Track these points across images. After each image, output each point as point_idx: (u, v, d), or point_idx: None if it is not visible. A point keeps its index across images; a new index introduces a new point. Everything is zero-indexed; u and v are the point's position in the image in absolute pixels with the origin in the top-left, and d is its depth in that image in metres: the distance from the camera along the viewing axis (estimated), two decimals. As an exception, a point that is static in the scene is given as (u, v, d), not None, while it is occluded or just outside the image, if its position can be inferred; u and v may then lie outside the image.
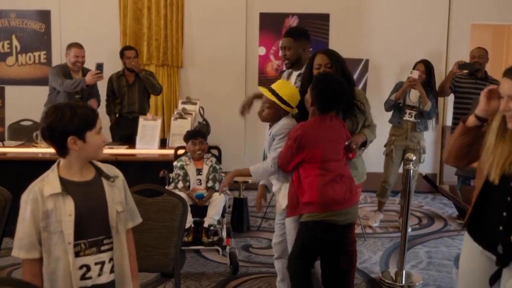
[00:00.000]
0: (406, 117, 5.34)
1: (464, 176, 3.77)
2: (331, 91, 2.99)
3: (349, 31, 6.74)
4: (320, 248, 3.14)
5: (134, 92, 5.84)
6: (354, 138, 3.28)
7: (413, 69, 5.34)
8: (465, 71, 5.60)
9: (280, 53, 4.00)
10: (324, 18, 6.74)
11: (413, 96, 5.32)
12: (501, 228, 2.15)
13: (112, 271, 2.13)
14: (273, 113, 3.22)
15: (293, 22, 6.84)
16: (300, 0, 6.79)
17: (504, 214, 2.14)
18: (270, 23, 6.86)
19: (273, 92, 3.18)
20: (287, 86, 3.25)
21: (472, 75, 5.55)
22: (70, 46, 5.53)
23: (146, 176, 4.61)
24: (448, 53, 6.82)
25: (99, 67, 5.27)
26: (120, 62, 6.14)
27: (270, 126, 3.31)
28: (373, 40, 6.76)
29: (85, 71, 5.49)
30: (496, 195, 2.18)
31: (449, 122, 6.29)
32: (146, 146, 5.19)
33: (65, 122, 2.00)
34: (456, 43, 6.78)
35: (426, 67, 5.34)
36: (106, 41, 6.55)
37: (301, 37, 3.85)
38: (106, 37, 6.61)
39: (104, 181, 2.14)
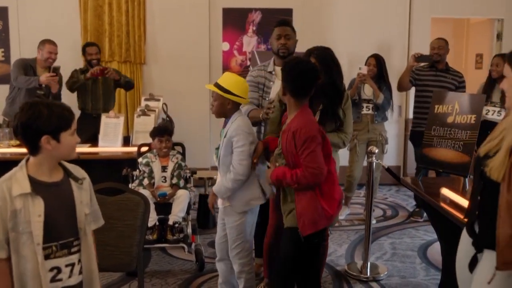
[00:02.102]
0: (364, 111, 5.40)
1: (424, 167, 3.83)
2: (304, 76, 2.83)
3: (311, 25, 6.76)
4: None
5: (98, 90, 5.74)
6: None
7: (365, 63, 5.43)
8: (423, 63, 5.64)
9: (280, 41, 3.83)
10: (287, 13, 6.74)
11: (368, 89, 5.40)
12: (477, 212, 2.22)
13: (80, 272, 2.12)
14: (220, 105, 3.16)
15: (256, 17, 6.83)
16: (262, -6, 6.80)
17: (479, 198, 2.20)
18: (234, 19, 6.84)
19: (216, 85, 3.15)
20: (230, 77, 3.20)
21: (433, 67, 5.59)
22: (44, 42, 5.46)
23: (110, 174, 4.54)
24: (410, 47, 6.92)
25: (55, 70, 5.23)
26: (81, 58, 6.08)
27: (225, 125, 3.27)
28: (335, 35, 6.79)
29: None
30: (475, 180, 2.25)
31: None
32: (109, 144, 5.11)
33: (42, 121, 1.97)
34: (417, 36, 6.89)
35: (377, 61, 5.44)
36: (66, 37, 6.41)
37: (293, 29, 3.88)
38: (66, 34, 6.47)
39: (73, 182, 2.11)
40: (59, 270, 2.05)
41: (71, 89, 5.64)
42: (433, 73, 5.57)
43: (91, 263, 2.16)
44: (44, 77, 5.17)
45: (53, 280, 2.04)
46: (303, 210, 2.76)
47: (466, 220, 2.37)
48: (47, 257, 2.01)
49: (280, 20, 4.15)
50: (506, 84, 2.15)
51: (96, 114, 5.65)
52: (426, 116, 5.34)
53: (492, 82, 5.37)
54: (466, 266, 2.27)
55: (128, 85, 5.88)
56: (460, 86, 5.46)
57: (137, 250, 2.76)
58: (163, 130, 4.46)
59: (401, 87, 5.66)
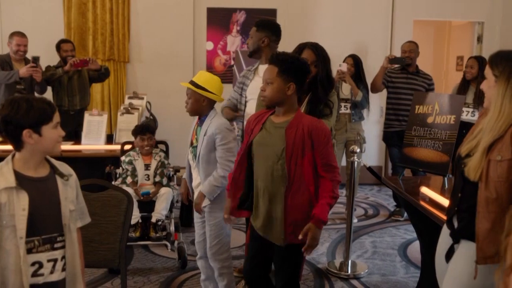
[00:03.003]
0: (342, 110, 5.46)
1: (404, 166, 3.91)
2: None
3: (295, 26, 6.81)
4: None
5: (74, 85, 5.70)
6: None
7: (343, 63, 5.49)
8: (396, 65, 5.70)
9: None
10: (271, 13, 6.79)
11: (345, 89, 5.47)
12: (456, 208, 2.31)
13: (63, 269, 2.12)
14: (195, 102, 3.16)
15: (240, 17, 6.87)
16: (247, -5, 6.83)
17: (459, 194, 2.28)
18: (218, 18, 6.86)
19: (191, 82, 3.17)
20: (205, 75, 3.24)
21: (404, 70, 5.66)
22: (12, 34, 5.42)
23: (93, 172, 4.55)
24: (392, 49, 7.00)
25: (35, 60, 5.15)
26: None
27: (197, 122, 3.27)
28: (318, 35, 6.82)
29: (27, 62, 5.36)
30: (456, 177, 2.33)
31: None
32: (92, 141, 5.11)
33: (21, 115, 1.98)
34: (400, 38, 6.93)
35: (355, 60, 5.55)
36: (50, 34, 6.37)
37: (264, 29, 3.87)
38: (50, 31, 6.43)
39: (58, 179, 2.12)
40: (40, 265, 2.05)
41: (47, 82, 5.57)
42: (404, 75, 5.64)
43: (74, 260, 2.16)
44: (24, 69, 5.12)
45: (34, 274, 2.04)
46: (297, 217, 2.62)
47: (446, 216, 2.45)
48: (29, 251, 2.02)
49: None
50: (485, 85, 2.21)
51: (73, 111, 5.62)
52: (398, 118, 5.52)
53: (466, 84, 5.46)
54: (444, 257, 2.35)
55: (107, 73, 5.81)
56: (429, 88, 5.55)
57: (120, 246, 2.77)
58: (145, 128, 4.47)
59: (375, 88, 5.72)
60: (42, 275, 2.06)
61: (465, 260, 2.21)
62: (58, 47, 5.74)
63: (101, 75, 5.71)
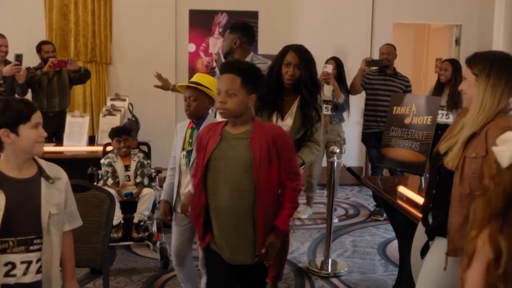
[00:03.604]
0: (324, 112, 5.52)
1: (382, 166, 4.00)
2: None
3: (277, 28, 6.89)
4: None
5: (54, 87, 5.70)
6: None
7: (324, 65, 5.56)
8: (374, 67, 5.79)
9: None
10: (253, 16, 6.84)
11: (327, 90, 5.55)
12: (431, 205, 2.40)
13: (39, 271, 2.13)
14: (200, 105, 3.10)
15: (222, 19, 6.92)
16: (229, -3, 6.88)
17: (434, 192, 2.37)
18: (200, 20, 6.90)
19: (197, 83, 3.11)
20: (208, 76, 3.22)
21: (382, 72, 5.75)
22: None
23: (75, 173, 4.48)
24: (372, 51, 7.09)
25: (18, 58, 5.12)
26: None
27: (192, 126, 3.19)
28: (299, 37, 6.87)
29: (8, 63, 5.34)
30: (432, 175, 2.43)
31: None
32: (74, 143, 5.12)
33: None
34: (380, 41, 7.02)
35: (337, 63, 5.62)
36: (31, 36, 6.35)
37: (236, 31, 3.92)
38: (31, 32, 6.42)
39: (43, 181, 2.13)
40: (13, 265, 2.07)
41: (29, 83, 5.55)
42: (382, 77, 5.73)
43: (53, 263, 2.17)
44: (8, 67, 5.09)
45: (6, 275, 2.06)
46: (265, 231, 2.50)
47: (421, 213, 2.54)
48: (3, 251, 2.04)
49: None
50: (466, 85, 2.31)
51: (52, 113, 5.61)
52: (376, 119, 5.62)
53: (440, 86, 5.57)
54: (419, 253, 2.43)
55: (87, 74, 5.79)
56: (407, 90, 5.65)
57: (103, 246, 2.81)
58: (120, 131, 4.49)
59: (353, 90, 5.79)
60: (14, 275, 2.07)
61: (439, 256, 2.30)
62: (39, 48, 5.72)
63: (81, 76, 5.70)
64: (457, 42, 7.45)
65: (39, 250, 2.11)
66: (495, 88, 2.18)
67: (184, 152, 3.20)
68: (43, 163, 2.19)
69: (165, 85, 4.58)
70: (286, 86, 3.33)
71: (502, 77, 2.18)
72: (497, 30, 6.68)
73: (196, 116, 3.16)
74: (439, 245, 2.32)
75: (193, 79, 3.18)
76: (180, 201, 3.19)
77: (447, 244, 2.23)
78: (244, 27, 4.01)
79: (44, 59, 5.63)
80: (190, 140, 3.17)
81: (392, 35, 7.19)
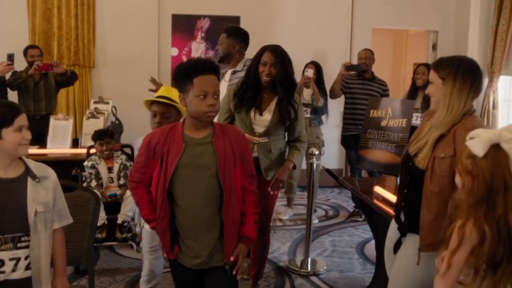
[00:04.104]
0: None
1: (359, 167, 4.13)
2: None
3: (258, 33, 6.93)
4: None
5: (40, 90, 5.76)
6: (278, 175, 3.49)
7: (304, 70, 5.70)
8: (352, 72, 5.93)
9: None
10: (234, 21, 6.94)
11: (306, 94, 5.69)
12: (403, 204, 2.52)
13: (28, 268, 2.19)
14: (173, 121, 2.91)
15: (205, 24, 7.02)
16: (211, 2, 6.98)
17: (405, 192, 2.50)
18: (182, 25, 7.00)
19: (169, 99, 2.99)
20: (173, 89, 2.98)
21: (360, 77, 5.90)
22: None
23: (59, 175, 4.61)
24: (351, 56, 7.23)
25: (10, 57, 5.19)
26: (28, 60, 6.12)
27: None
28: (281, 42, 6.94)
29: None
30: (403, 175, 2.55)
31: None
32: (58, 145, 5.18)
33: None
34: (359, 46, 7.16)
35: (316, 68, 5.74)
36: (14, 39, 6.39)
37: (235, 36, 4.09)
38: (14, 36, 6.45)
39: (30, 180, 2.20)
40: (2, 262, 2.14)
41: (11, 85, 5.58)
42: (361, 82, 5.87)
43: (42, 260, 2.23)
44: (1, 67, 5.16)
45: None
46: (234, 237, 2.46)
47: (394, 211, 2.67)
48: None
49: None
50: (432, 88, 2.44)
51: (38, 116, 5.66)
52: (355, 122, 5.76)
53: (415, 90, 5.73)
54: (392, 250, 2.55)
55: (74, 76, 5.87)
56: (384, 94, 5.80)
57: (88, 244, 2.89)
58: (102, 134, 4.57)
59: (333, 94, 5.93)
60: (3, 272, 2.14)
61: (410, 251, 2.43)
62: (25, 52, 5.78)
63: (68, 78, 5.77)
64: (434, 47, 7.64)
65: (27, 247, 2.18)
66: (461, 91, 2.32)
67: None
68: (31, 163, 2.26)
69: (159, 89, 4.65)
70: (264, 84, 3.47)
71: (468, 81, 2.32)
72: (472, 36, 6.89)
73: None
74: (411, 241, 2.45)
75: (161, 94, 3.06)
76: None
77: (420, 240, 2.36)
78: (243, 33, 4.17)
79: (30, 63, 5.69)
80: None
81: (371, 40, 7.35)
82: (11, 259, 2.16)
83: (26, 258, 2.19)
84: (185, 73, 2.35)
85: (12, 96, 5.72)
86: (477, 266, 1.81)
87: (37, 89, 5.71)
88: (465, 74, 2.33)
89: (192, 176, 2.36)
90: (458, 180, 1.93)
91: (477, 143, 1.82)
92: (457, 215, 1.91)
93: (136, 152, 2.94)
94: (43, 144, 5.26)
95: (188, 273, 2.50)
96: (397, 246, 2.57)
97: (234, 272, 2.43)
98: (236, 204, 2.43)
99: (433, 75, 2.43)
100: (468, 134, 1.91)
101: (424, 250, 2.34)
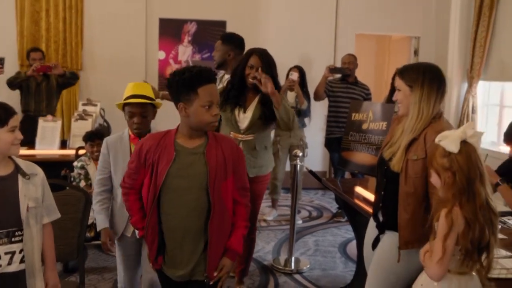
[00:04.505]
0: None
1: (341, 168, 4.27)
2: None
3: (244, 38, 7.06)
4: None
5: (42, 92, 5.85)
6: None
7: (288, 73, 5.83)
8: (337, 75, 6.09)
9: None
10: (221, 25, 7.08)
11: (290, 97, 5.83)
12: (381, 204, 2.65)
13: (22, 261, 2.29)
14: (151, 119, 2.95)
15: (191, 28, 7.13)
16: (198, 7, 7.11)
17: (382, 193, 2.63)
18: (170, 29, 7.12)
19: (146, 97, 2.91)
20: (144, 85, 3.07)
21: (344, 81, 6.06)
22: None
23: (47, 176, 4.68)
24: (335, 61, 7.39)
25: (0, 61, 5.29)
26: (16, 62, 6.42)
27: (136, 141, 2.87)
28: (267, 46, 7.04)
29: None
30: (379, 177, 2.69)
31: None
32: (46, 147, 5.26)
33: None
34: (342, 51, 7.32)
35: (300, 71, 5.88)
36: (2, 42, 6.48)
37: (229, 43, 4.17)
38: (2, 38, 6.54)
39: (20, 177, 2.30)
40: None
41: (11, 84, 5.71)
42: (344, 86, 6.03)
43: (35, 253, 2.32)
44: None
45: None
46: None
47: (372, 210, 2.81)
48: None
49: None
50: (400, 95, 2.57)
51: (39, 116, 5.74)
52: (338, 124, 5.91)
53: (393, 94, 5.88)
54: (371, 246, 2.69)
55: (73, 76, 6.02)
56: (367, 98, 5.97)
57: (79, 240, 3.00)
58: (94, 135, 4.65)
59: (317, 96, 6.08)
60: (0, 266, 2.24)
61: (389, 247, 2.56)
62: (28, 55, 5.95)
63: (68, 79, 5.94)
64: (416, 53, 7.83)
65: (21, 241, 2.28)
66: (430, 97, 2.46)
67: None
68: (20, 162, 2.36)
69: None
70: (249, 85, 3.60)
71: (434, 86, 2.47)
72: (452, 42, 7.06)
73: (143, 134, 2.89)
74: (389, 238, 2.59)
75: (135, 92, 2.92)
76: (129, 224, 2.87)
77: (399, 239, 2.49)
78: (237, 39, 4.25)
79: (32, 65, 5.82)
80: None
81: (355, 46, 7.52)
82: (6, 253, 2.24)
83: (20, 252, 2.28)
84: (188, 83, 2.28)
85: (15, 96, 5.83)
86: (468, 248, 2.02)
87: (38, 90, 5.84)
88: (431, 81, 2.47)
89: (182, 187, 2.31)
90: (434, 179, 2.12)
91: (450, 142, 2.03)
92: (440, 205, 2.11)
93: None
94: (31, 146, 5.32)
95: (172, 284, 2.45)
96: (375, 243, 2.70)
97: (218, 286, 2.38)
98: (225, 217, 2.37)
99: (399, 83, 2.55)
100: (437, 137, 2.09)
101: (403, 248, 2.47)
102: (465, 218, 2.02)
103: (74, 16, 6.79)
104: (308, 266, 4.57)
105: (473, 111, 6.76)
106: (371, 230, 2.78)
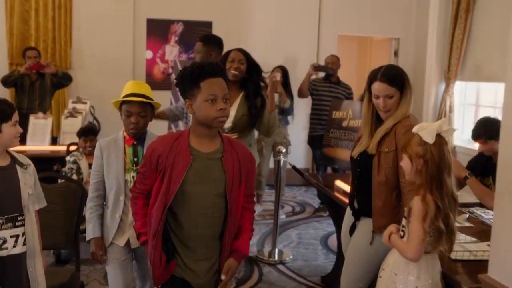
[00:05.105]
0: None
1: (323, 164, 4.48)
2: None
3: (230, 38, 7.16)
4: None
5: (35, 90, 5.99)
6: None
7: (271, 73, 6.02)
8: (320, 74, 6.33)
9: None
10: (207, 26, 7.27)
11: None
12: (355, 193, 2.87)
13: (24, 243, 2.48)
14: (149, 119, 2.85)
15: (178, 28, 7.31)
16: (185, 8, 7.29)
17: (356, 182, 2.84)
18: (157, 29, 7.29)
19: (145, 96, 2.79)
20: (143, 84, 2.95)
21: (327, 80, 6.31)
22: None
23: (38, 171, 4.84)
24: (319, 61, 7.58)
25: None
26: (6, 61, 6.59)
27: (132, 142, 2.85)
28: (252, 47, 7.24)
29: None
30: (353, 169, 2.90)
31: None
32: (37, 143, 5.41)
33: None
34: (325, 52, 7.54)
35: (283, 71, 6.13)
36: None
37: (210, 43, 4.30)
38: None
39: (18, 167, 2.49)
40: (4, 240, 2.42)
41: (5, 82, 5.86)
42: (327, 85, 6.27)
43: (34, 236, 2.52)
44: None
45: (0, 249, 2.41)
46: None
47: (348, 200, 3.03)
48: None
49: None
50: (392, 102, 2.71)
51: (31, 114, 5.88)
52: (321, 122, 6.13)
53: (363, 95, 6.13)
54: (348, 233, 2.91)
55: (66, 77, 6.17)
56: (349, 97, 6.20)
57: (75, 229, 3.18)
58: (87, 131, 4.82)
59: (301, 94, 6.31)
60: (6, 248, 2.42)
61: (364, 232, 2.80)
62: (24, 54, 6.08)
63: (60, 79, 6.09)
64: (396, 54, 8.10)
65: (23, 225, 2.48)
66: (411, 97, 2.70)
67: (134, 174, 2.80)
68: (14, 154, 2.55)
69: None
70: (231, 78, 3.61)
71: (411, 87, 2.70)
72: (430, 44, 7.33)
73: (139, 134, 2.86)
74: (364, 224, 2.82)
75: (133, 91, 2.81)
76: (120, 232, 2.84)
77: (373, 223, 2.72)
78: (218, 40, 4.37)
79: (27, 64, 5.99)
80: (136, 159, 2.83)
81: (338, 47, 7.76)
82: (11, 236, 2.44)
83: (22, 235, 2.48)
84: (190, 78, 2.22)
85: (6, 94, 6.02)
86: (440, 229, 2.27)
87: (32, 89, 5.99)
88: (408, 81, 2.72)
89: (198, 194, 2.24)
90: (405, 163, 2.35)
91: (427, 133, 2.29)
92: (412, 193, 2.33)
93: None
94: (22, 143, 5.47)
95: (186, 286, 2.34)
96: (352, 229, 2.92)
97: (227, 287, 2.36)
98: (235, 224, 2.34)
99: (391, 90, 2.66)
100: (416, 127, 2.34)
101: (377, 231, 2.70)
102: (435, 203, 2.25)
103: (63, 16, 6.93)
104: (291, 257, 4.78)
105: (450, 110, 7.02)
106: (348, 218, 3.01)
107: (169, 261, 2.28)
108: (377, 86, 2.71)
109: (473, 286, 2.24)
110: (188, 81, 2.23)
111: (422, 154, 2.30)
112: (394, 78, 2.70)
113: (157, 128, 3.21)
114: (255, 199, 2.50)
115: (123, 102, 2.83)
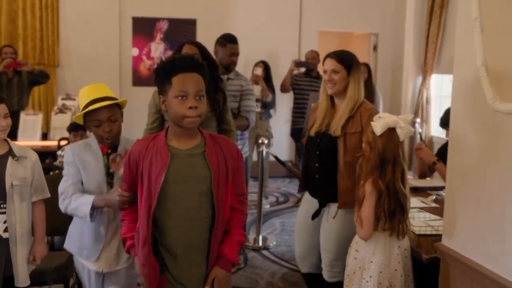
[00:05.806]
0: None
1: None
2: None
3: (214, 35, 7.41)
4: None
5: (13, 87, 6.15)
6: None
7: (253, 68, 6.28)
8: (302, 68, 6.57)
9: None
10: (191, 23, 7.49)
11: (256, 90, 6.20)
12: (316, 176, 3.04)
13: (6, 230, 2.60)
14: (120, 123, 2.57)
15: (163, 25, 7.51)
16: (169, 6, 7.49)
17: (317, 165, 3.02)
18: (142, 27, 7.48)
19: (109, 98, 2.52)
20: (103, 86, 2.64)
21: (308, 75, 6.54)
22: None
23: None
24: (300, 57, 7.83)
25: None
26: None
27: (108, 147, 2.56)
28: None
29: None
30: (312, 150, 3.07)
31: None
32: (28, 139, 5.59)
33: None
34: (306, 47, 7.75)
35: (265, 66, 6.35)
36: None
37: (228, 44, 4.54)
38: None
39: (10, 158, 2.64)
40: None
41: None
42: (308, 79, 6.51)
43: (15, 225, 2.60)
44: None
45: None
46: None
47: (307, 185, 3.18)
48: None
49: None
50: (338, 76, 2.93)
51: (10, 111, 6.02)
52: (303, 115, 6.36)
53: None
54: (308, 218, 3.09)
55: (42, 75, 6.28)
56: None
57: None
58: (77, 126, 5.00)
59: (284, 88, 6.55)
60: None
61: (335, 216, 2.97)
62: (0, 51, 6.20)
63: (37, 77, 6.19)
64: (375, 48, 8.36)
65: (5, 213, 2.61)
66: (361, 80, 2.95)
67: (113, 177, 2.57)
68: (14, 146, 2.71)
69: None
70: None
71: (360, 72, 2.95)
72: (407, 38, 7.61)
73: (115, 140, 2.57)
74: (332, 209, 2.96)
75: (95, 96, 2.49)
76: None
77: (338, 199, 2.90)
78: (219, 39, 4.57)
79: (4, 60, 6.11)
80: (111, 170, 2.56)
81: (320, 41, 8.00)
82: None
83: (4, 222, 2.61)
84: (162, 72, 2.05)
85: None
86: (378, 215, 2.44)
87: (10, 86, 6.11)
88: (358, 66, 2.96)
89: (180, 194, 2.06)
90: (364, 146, 2.56)
91: (378, 124, 2.48)
92: (360, 176, 2.56)
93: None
94: (14, 138, 5.64)
95: None
96: (316, 214, 3.06)
97: None
98: (222, 227, 2.12)
99: (338, 66, 2.90)
100: (377, 115, 2.54)
101: (342, 207, 2.90)
102: (377, 191, 2.46)
103: (50, 15, 7.10)
104: (275, 243, 5.02)
105: (427, 102, 7.30)
106: (308, 204, 3.14)
107: (161, 273, 2.10)
108: (326, 62, 2.99)
109: (432, 255, 2.49)
110: (161, 75, 2.05)
111: (370, 141, 2.51)
112: (343, 57, 2.94)
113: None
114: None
115: (86, 113, 2.50)
